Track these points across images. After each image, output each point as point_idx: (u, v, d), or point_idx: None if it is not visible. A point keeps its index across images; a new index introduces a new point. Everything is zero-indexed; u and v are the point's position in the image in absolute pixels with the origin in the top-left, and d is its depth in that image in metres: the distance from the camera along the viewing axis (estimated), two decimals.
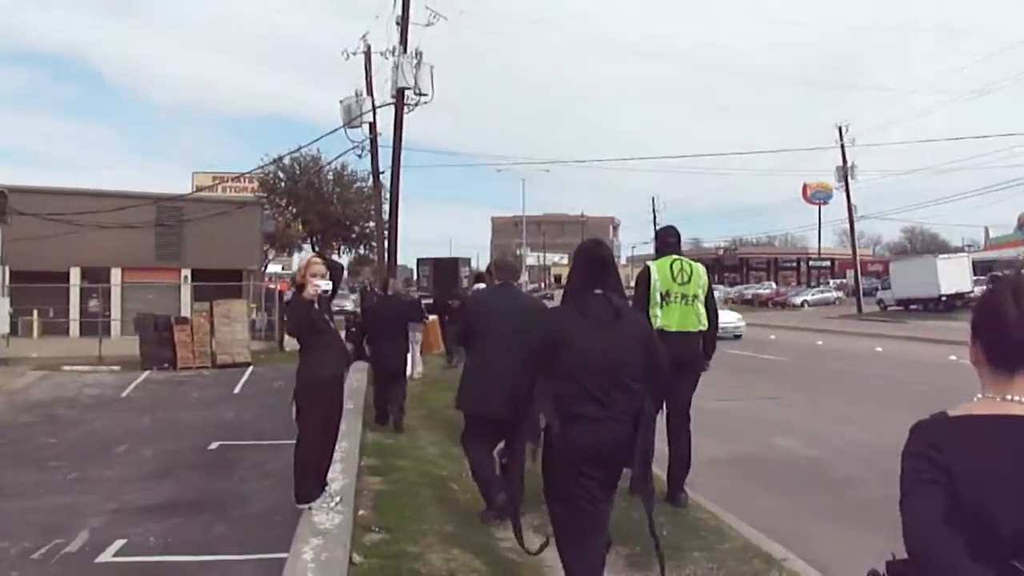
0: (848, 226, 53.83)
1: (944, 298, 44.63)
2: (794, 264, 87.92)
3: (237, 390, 18.10)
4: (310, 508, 5.84)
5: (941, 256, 51.00)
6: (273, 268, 72.32)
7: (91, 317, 29.44)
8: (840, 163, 51.38)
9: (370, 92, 24.66)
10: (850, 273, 58.23)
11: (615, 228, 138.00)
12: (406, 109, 22.17)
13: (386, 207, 24.79)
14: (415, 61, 21.73)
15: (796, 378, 17.38)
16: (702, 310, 7.02)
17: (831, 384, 17.32)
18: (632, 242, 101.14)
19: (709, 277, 7.29)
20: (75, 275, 32.40)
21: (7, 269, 31.08)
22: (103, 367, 22.58)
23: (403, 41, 22.04)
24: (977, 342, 1.96)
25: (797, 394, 14.87)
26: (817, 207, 69.74)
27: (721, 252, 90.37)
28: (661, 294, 6.91)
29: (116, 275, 33.09)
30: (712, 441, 10.50)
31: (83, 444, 12.49)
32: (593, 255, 4.49)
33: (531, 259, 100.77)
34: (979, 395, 1.94)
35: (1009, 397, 1.87)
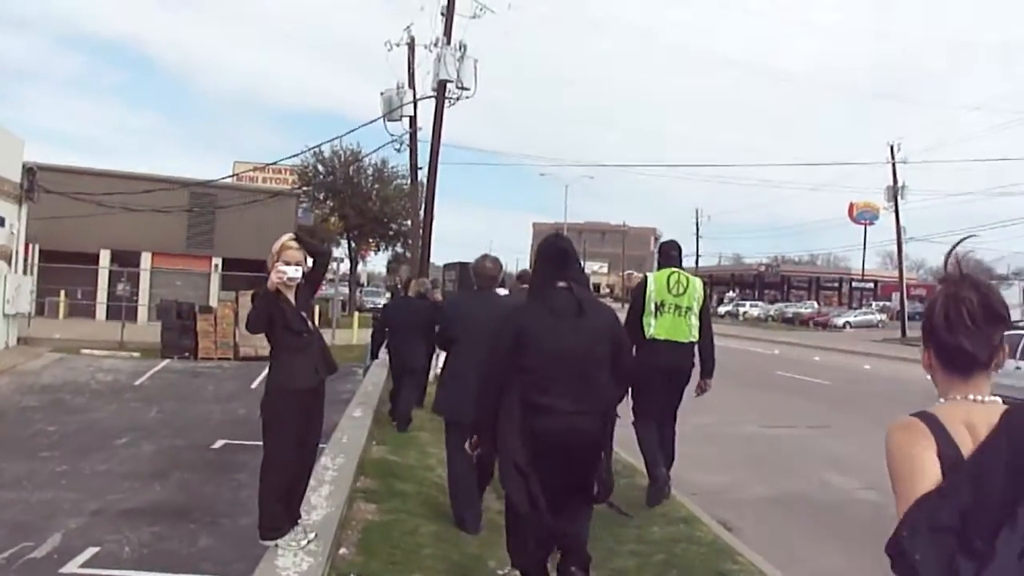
0: (893, 248, 52.24)
1: None
2: (836, 284, 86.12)
3: (255, 385, 17.31)
4: (276, 546, 4.82)
5: (992, 282, 49.06)
6: (310, 262, 72.22)
7: (118, 301, 28.96)
8: (890, 183, 49.77)
9: (412, 84, 23.87)
10: (895, 296, 56.47)
11: (656, 239, 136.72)
12: (447, 103, 21.29)
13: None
14: (459, 54, 20.83)
15: (846, 404, 16.23)
16: (695, 322, 7.21)
17: (883, 412, 16.10)
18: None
19: (705, 292, 7.50)
20: (105, 257, 32.03)
21: (37, 248, 30.83)
22: (123, 352, 22.04)
23: (447, 32, 21.15)
24: (930, 347, 1.96)
25: (848, 422, 13.73)
26: (863, 227, 67.93)
27: (763, 268, 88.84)
28: (656, 304, 7.15)
29: (146, 260, 32.63)
30: (760, 475, 9.75)
31: (81, 434, 11.80)
32: (555, 248, 4.47)
33: None
34: (940, 400, 1.92)
35: (972, 397, 1.88)
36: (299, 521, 5.07)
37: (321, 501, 5.67)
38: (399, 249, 51.90)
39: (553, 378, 4.16)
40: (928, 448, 1.78)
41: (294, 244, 5.08)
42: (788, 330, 53.63)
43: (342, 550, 5.34)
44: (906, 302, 51.76)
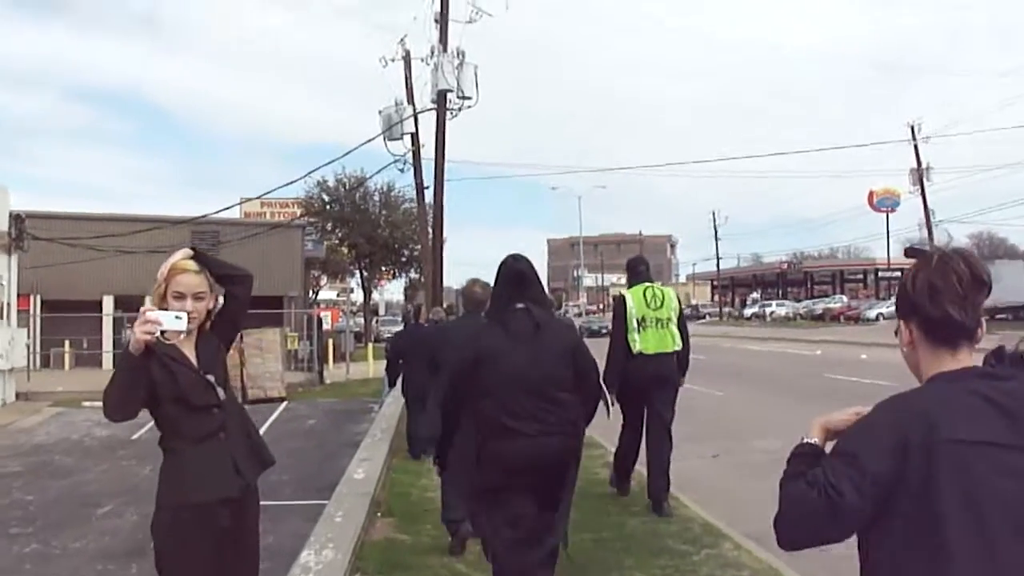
0: (914, 234, 50.34)
1: None
2: (860, 276, 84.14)
3: (261, 432, 15.92)
4: None
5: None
6: (326, 295, 71.25)
7: (125, 348, 27.72)
8: (913, 165, 47.97)
9: (411, 99, 22.66)
10: None
11: (672, 247, 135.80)
12: (449, 115, 20.09)
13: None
14: (457, 61, 19.64)
15: None
16: (676, 331, 7.52)
17: None
18: (691, 259, 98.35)
19: (679, 301, 7.83)
20: (108, 304, 30.88)
21: (39, 298, 29.77)
22: None
23: (443, 39, 19.94)
24: (911, 322, 1.89)
25: None
26: (884, 215, 65.74)
27: (785, 266, 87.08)
28: (637, 320, 7.42)
29: (149, 303, 31.39)
30: None
31: (61, 504, 10.48)
32: (512, 270, 4.46)
33: (588, 280, 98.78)
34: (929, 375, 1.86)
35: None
36: None
37: None
38: (413, 275, 50.80)
39: (514, 400, 4.18)
40: None
41: (191, 265, 3.37)
42: (820, 327, 51.97)
43: None
44: None
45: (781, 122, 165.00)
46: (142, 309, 3.09)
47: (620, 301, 7.63)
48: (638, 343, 7.35)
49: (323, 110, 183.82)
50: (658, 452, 7.51)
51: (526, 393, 4.18)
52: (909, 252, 1.97)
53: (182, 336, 3.24)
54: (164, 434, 3.39)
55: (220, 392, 3.40)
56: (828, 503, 1.75)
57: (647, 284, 7.63)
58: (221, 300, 3.55)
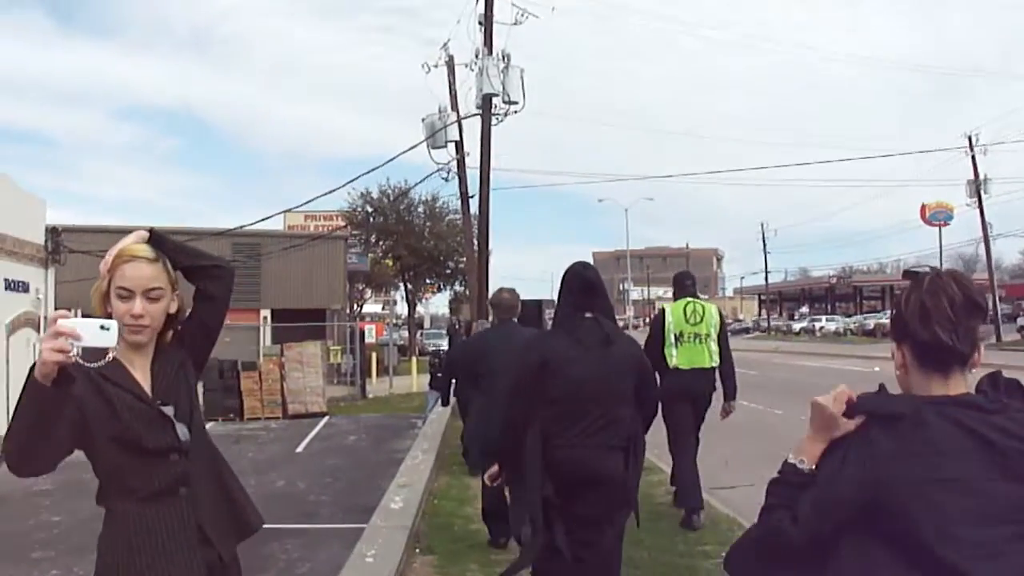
0: (965, 249, 48.66)
1: None
2: None
3: (301, 448, 15.44)
4: None
5: None
6: (371, 308, 70.95)
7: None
8: (970, 177, 46.38)
9: (454, 106, 22.04)
10: None
11: (719, 260, 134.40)
12: (495, 120, 19.42)
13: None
14: (502, 64, 18.98)
15: None
16: (714, 347, 7.50)
17: None
18: (738, 272, 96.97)
19: (722, 318, 7.74)
20: None
21: (80, 313, 29.46)
22: None
23: (487, 41, 19.30)
24: (903, 345, 1.86)
25: None
26: (937, 228, 63.94)
27: (834, 280, 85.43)
28: (675, 335, 7.45)
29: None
30: None
31: (88, 525, 9.72)
32: (581, 278, 4.34)
33: (635, 294, 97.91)
34: None
35: None
36: None
37: None
38: (458, 287, 50.28)
39: (577, 410, 4.07)
40: None
41: (143, 251, 2.44)
42: (872, 343, 50.39)
43: None
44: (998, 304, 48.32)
45: (830, 138, 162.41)
46: (51, 316, 2.07)
47: (659, 315, 7.80)
48: (674, 357, 7.42)
49: (369, 125, 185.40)
50: (685, 463, 7.61)
51: (591, 403, 4.06)
52: (906, 274, 1.90)
53: (111, 354, 2.18)
54: (102, 488, 2.51)
55: (182, 431, 2.45)
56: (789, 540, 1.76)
57: (689, 299, 7.68)
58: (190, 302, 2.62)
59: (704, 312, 7.58)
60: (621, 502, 4.19)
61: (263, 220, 31.13)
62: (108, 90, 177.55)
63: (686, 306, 7.57)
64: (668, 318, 7.56)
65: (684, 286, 7.87)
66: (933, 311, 1.77)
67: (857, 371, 27.82)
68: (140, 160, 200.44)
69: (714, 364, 7.54)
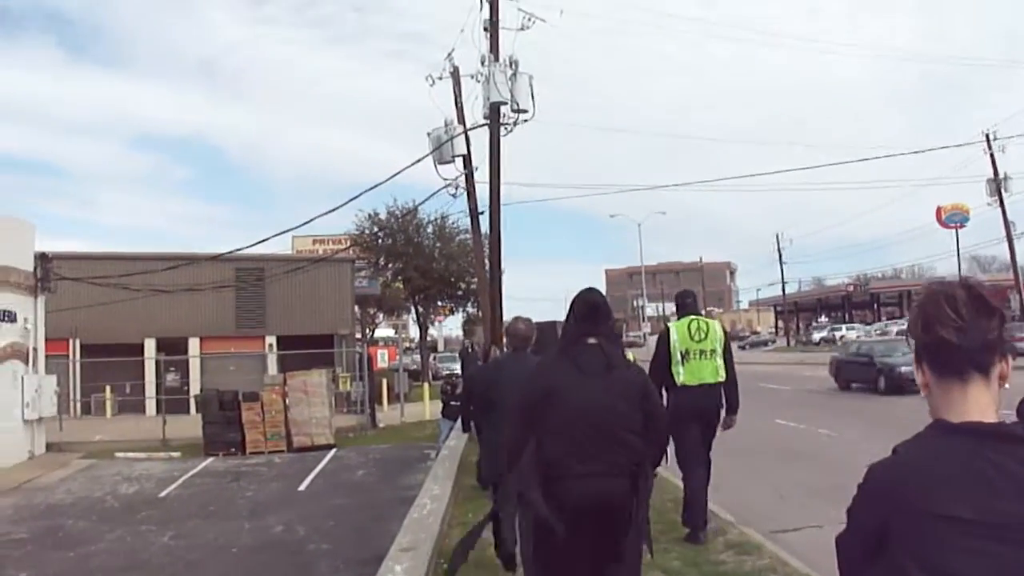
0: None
1: None
2: None
3: (304, 485, 14.28)
4: None
5: None
6: (383, 332, 69.78)
7: (170, 393, 26.45)
8: (989, 175, 44.73)
9: (461, 119, 20.90)
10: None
11: (731, 273, 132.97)
12: (503, 130, 18.31)
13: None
14: (510, 71, 17.86)
15: None
16: (720, 363, 7.53)
17: None
18: (750, 286, 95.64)
19: (726, 334, 7.78)
20: (150, 347, 29.45)
21: (78, 343, 28.52)
22: (161, 454, 19.23)
23: (493, 48, 18.16)
24: (922, 362, 1.75)
25: None
26: (954, 230, 62.41)
27: (851, 288, 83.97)
28: (681, 353, 7.49)
29: (194, 346, 29.99)
30: None
31: None
32: (586, 303, 4.29)
33: (650, 310, 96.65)
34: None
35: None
36: None
37: None
38: (471, 309, 49.17)
39: (581, 438, 3.95)
40: None
41: None
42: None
43: None
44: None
45: (838, 145, 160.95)
46: None
47: (664, 334, 7.77)
48: (682, 375, 7.44)
49: (380, 150, 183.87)
50: (694, 478, 7.55)
51: (594, 431, 3.96)
52: (927, 286, 1.82)
53: None
54: None
55: None
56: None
57: (692, 317, 7.73)
58: None
59: (708, 329, 7.64)
60: (629, 532, 4.00)
61: (262, 242, 30.13)
62: (121, 120, 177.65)
63: (690, 324, 7.62)
64: (673, 336, 7.61)
65: (686, 304, 7.95)
66: (933, 313, 1.70)
67: None
68: (151, 189, 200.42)
69: (720, 379, 7.56)
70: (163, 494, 14.04)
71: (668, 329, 7.80)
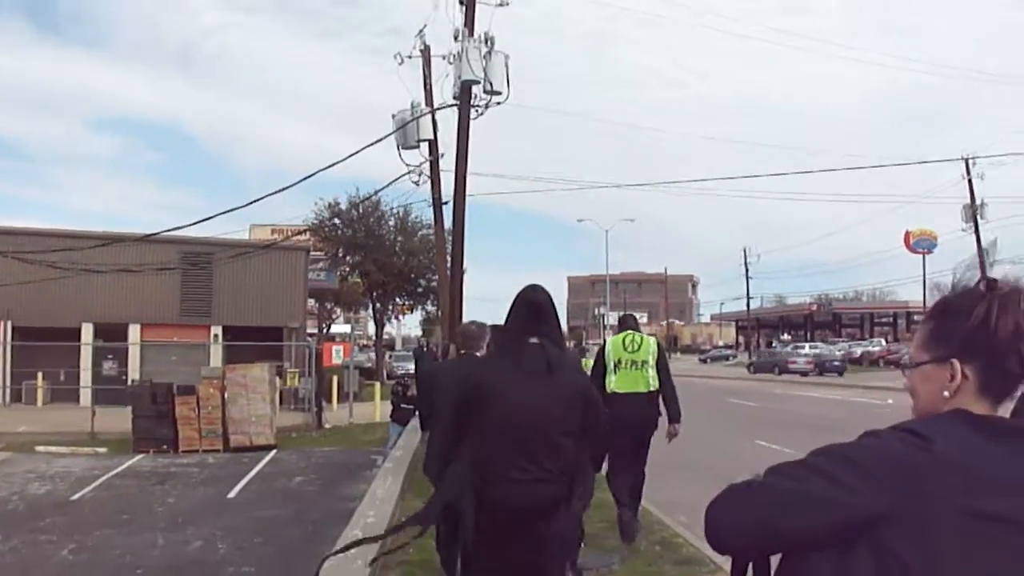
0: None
1: None
2: (890, 319, 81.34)
3: (234, 492, 12.83)
4: None
5: None
6: (339, 328, 67.96)
7: (107, 383, 24.80)
8: (966, 201, 44.39)
9: (429, 100, 19.56)
10: None
11: (694, 286, 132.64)
12: (474, 112, 16.96)
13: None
14: (485, 49, 16.53)
15: None
16: (652, 373, 7.84)
17: None
18: (714, 298, 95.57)
19: (660, 348, 8.09)
20: (87, 332, 27.66)
21: (10, 325, 26.75)
22: (86, 449, 17.67)
23: (468, 22, 16.81)
24: (969, 365, 1.48)
25: None
26: (921, 256, 62.41)
27: (813, 307, 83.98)
28: (614, 362, 7.85)
29: (135, 332, 28.24)
30: None
31: None
32: (528, 300, 4.10)
33: (611, 318, 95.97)
34: None
35: None
36: None
37: None
38: (431, 308, 47.73)
39: (513, 440, 3.79)
40: None
41: None
42: (863, 371, 48.57)
43: None
44: None
45: (808, 165, 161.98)
46: None
47: (602, 346, 8.30)
48: (612, 383, 7.74)
49: (355, 147, 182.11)
50: (630, 485, 7.75)
51: (530, 432, 3.77)
52: (989, 284, 1.54)
53: None
54: None
55: None
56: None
57: (629, 332, 8.08)
58: None
59: (642, 342, 8.00)
60: (559, 542, 3.85)
61: (207, 219, 28.38)
62: (85, 99, 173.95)
63: (625, 337, 7.99)
64: (608, 348, 8.02)
65: (626, 323, 8.35)
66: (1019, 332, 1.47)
67: (871, 404, 25.26)
68: (116, 173, 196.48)
69: (652, 388, 7.82)
70: (76, 496, 12.53)
71: (605, 342, 8.44)
